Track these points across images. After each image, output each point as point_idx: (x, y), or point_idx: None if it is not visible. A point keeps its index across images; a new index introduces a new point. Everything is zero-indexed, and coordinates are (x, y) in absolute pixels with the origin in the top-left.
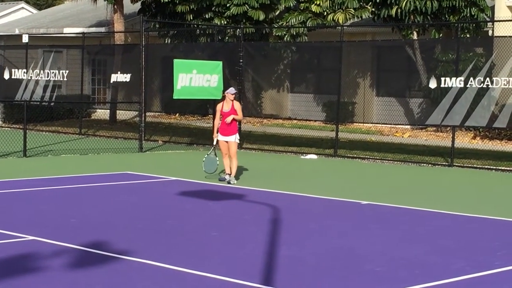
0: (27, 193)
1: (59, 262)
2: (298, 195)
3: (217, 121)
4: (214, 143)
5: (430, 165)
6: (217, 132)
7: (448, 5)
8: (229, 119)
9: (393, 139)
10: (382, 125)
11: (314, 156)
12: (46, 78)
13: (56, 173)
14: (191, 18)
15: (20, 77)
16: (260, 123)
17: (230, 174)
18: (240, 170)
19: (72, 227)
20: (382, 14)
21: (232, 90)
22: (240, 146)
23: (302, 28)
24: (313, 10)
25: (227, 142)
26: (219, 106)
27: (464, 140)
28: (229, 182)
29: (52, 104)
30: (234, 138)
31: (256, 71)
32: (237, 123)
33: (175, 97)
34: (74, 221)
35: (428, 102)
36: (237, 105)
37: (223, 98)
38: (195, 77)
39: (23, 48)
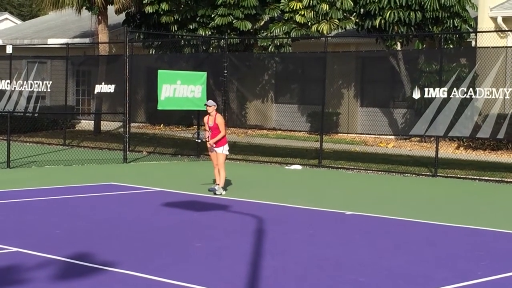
0: (10, 204)
1: (42, 274)
2: (283, 206)
3: (208, 133)
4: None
5: (414, 175)
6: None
7: (431, 16)
8: (212, 141)
9: (377, 150)
10: (366, 135)
11: (298, 167)
12: (30, 89)
13: (40, 184)
14: (176, 28)
15: (4, 88)
16: (245, 134)
17: (218, 184)
18: (225, 181)
19: (56, 238)
20: (366, 25)
21: (209, 102)
22: None
23: (286, 39)
24: (297, 21)
25: (216, 153)
26: (205, 119)
27: (447, 151)
28: (215, 193)
29: (36, 115)
30: (222, 150)
31: (241, 82)
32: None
33: (159, 108)
34: (58, 232)
35: (412, 112)
36: (219, 120)
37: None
38: (179, 88)
39: (7, 59)
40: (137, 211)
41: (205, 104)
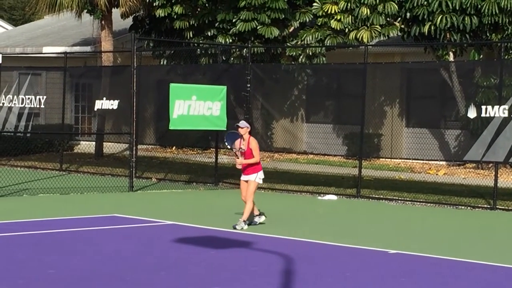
0: None
1: None
2: (314, 243)
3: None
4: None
5: (469, 207)
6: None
7: (490, 22)
8: (240, 161)
9: (425, 177)
10: (413, 161)
11: (333, 197)
12: (21, 105)
13: (33, 215)
14: (191, 35)
15: None
16: (271, 158)
17: (259, 215)
18: (248, 214)
19: (50, 280)
20: (413, 32)
21: (242, 123)
22: None
23: (320, 48)
24: (333, 27)
25: (247, 181)
26: (237, 143)
27: (508, 179)
28: (235, 227)
29: (28, 135)
30: (255, 177)
31: (266, 98)
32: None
33: (171, 127)
34: (52, 272)
35: (467, 134)
36: (253, 145)
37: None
38: (195, 104)
39: None
40: (145, 248)
41: (236, 125)
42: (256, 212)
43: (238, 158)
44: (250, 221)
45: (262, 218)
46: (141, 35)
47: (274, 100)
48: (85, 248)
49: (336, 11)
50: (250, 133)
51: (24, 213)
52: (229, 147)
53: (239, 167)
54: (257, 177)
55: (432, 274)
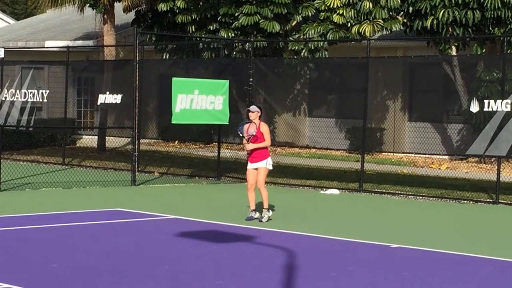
0: (0, 233)
1: None
2: (317, 237)
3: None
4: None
5: (471, 202)
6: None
7: (492, 16)
8: (249, 146)
9: (428, 172)
10: (416, 155)
11: (335, 191)
12: (24, 99)
13: (35, 209)
14: (193, 29)
15: None
16: (273, 153)
17: (255, 210)
18: (248, 208)
19: (53, 274)
20: (415, 26)
21: (252, 107)
22: None
23: (322, 42)
24: (335, 21)
25: (256, 169)
26: (245, 127)
27: (511, 173)
28: (260, 220)
29: (30, 129)
30: (265, 164)
31: (269, 92)
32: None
33: (173, 121)
34: (55, 267)
35: (469, 128)
36: (264, 128)
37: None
38: (197, 99)
39: None
40: (147, 242)
41: (248, 110)
42: (253, 207)
43: (247, 143)
44: (248, 217)
45: (258, 214)
46: (144, 29)
47: (277, 94)
48: (87, 242)
49: (339, 5)
50: (261, 118)
51: (26, 207)
52: (240, 135)
53: (246, 150)
54: (267, 164)
55: (434, 268)
